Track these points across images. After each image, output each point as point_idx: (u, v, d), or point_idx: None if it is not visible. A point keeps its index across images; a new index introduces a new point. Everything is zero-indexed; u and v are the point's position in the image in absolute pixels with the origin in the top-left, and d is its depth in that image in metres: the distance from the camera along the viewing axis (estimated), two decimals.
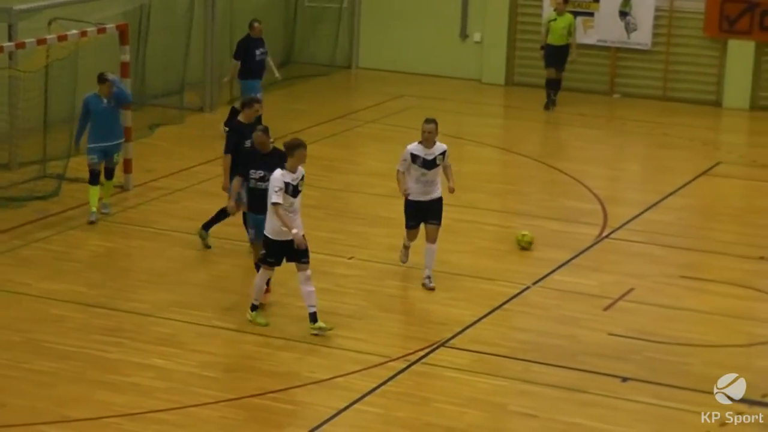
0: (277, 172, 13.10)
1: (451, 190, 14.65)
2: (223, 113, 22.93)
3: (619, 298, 14.68)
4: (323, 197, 18.32)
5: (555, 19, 23.71)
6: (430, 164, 14.38)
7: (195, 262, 15.55)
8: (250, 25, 21.04)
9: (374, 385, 12.29)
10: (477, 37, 26.31)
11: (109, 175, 16.99)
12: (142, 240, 16.35)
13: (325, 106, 22.37)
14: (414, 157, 14.35)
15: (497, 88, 25.94)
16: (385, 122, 22.90)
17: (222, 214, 15.40)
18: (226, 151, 15.09)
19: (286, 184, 13.04)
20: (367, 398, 12.06)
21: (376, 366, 12.71)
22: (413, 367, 12.75)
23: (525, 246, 16.08)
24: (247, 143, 14.91)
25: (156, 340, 13.22)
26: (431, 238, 14.60)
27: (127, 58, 18.07)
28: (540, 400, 12.16)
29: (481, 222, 17.22)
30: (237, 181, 14.08)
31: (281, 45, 26.58)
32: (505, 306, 14.41)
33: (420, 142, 14.40)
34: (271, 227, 13.19)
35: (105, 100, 16.65)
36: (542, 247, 16.37)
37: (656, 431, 11.58)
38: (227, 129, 15.73)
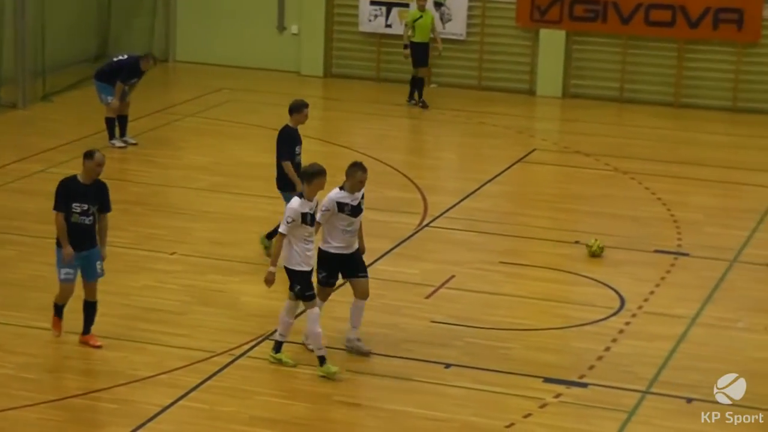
0: (295, 202, 12.30)
1: (362, 251, 13.14)
2: (38, 109, 22.64)
3: (441, 286, 14.90)
4: (143, 192, 18.13)
5: (421, 17, 23.67)
6: (357, 210, 12.79)
7: (10, 262, 15.20)
8: (146, 56, 20.22)
9: (199, 381, 12.24)
10: (294, 29, 26.32)
11: None
12: None
13: (143, 100, 22.04)
14: (341, 206, 12.65)
15: (316, 80, 26.01)
16: (205, 116, 22.73)
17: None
18: (284, 159, 14.71)
19: (304, 215, 12.29)
20: (192, 394, 12.00)
21: (200, 361, 12.66)
22: (238, 361, 12.74)
23: (596, 253, 15.92)
24: (298, 149, 14.79)
25: None
26: (363, 293, 13.01)
27: None
28: (364, 389, 12.27)
29: None
30: (59, 217, 12.49)
31: (95, 38, 26.11)
32: None
33: (341, 188, 12.77)
34: (297, 258, 12.37)
35: None
36: (364, 237, 16.47)
37: (476, 415, 11.80)
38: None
